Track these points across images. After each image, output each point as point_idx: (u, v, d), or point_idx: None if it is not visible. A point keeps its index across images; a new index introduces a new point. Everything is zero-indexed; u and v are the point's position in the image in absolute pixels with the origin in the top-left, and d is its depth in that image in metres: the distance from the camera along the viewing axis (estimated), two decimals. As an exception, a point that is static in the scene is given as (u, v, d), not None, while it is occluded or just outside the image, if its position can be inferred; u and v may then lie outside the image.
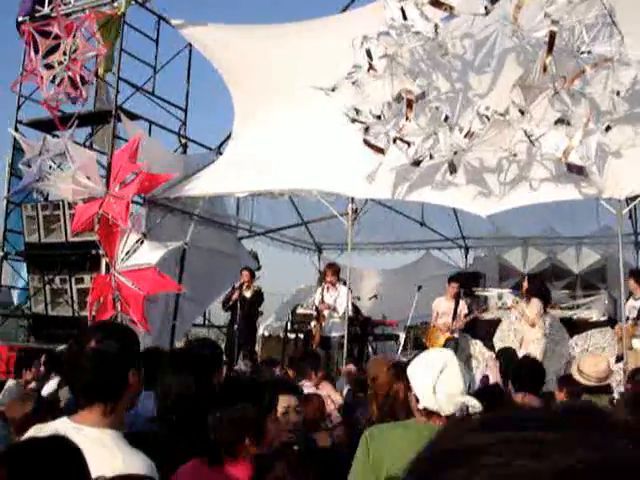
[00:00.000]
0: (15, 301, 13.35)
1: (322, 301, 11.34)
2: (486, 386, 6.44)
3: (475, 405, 3.15)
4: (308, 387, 5.94)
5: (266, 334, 13.99)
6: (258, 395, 3.22)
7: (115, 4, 11.21)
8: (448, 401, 3.14)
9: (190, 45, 12.14)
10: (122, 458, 2.36)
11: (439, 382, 3.16)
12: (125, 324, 8.60)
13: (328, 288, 11.44)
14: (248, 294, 11.79)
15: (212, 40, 11.24)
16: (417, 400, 3.22)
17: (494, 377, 6.91)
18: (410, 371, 3.32)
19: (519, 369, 5.67)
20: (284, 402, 3.75)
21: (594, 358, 6.16)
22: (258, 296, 12.04)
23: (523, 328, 10.45)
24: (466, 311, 11.67)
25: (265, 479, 2.75)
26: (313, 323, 11.48)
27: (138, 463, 2.41)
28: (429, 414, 3.18)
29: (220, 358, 4.68)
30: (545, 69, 7.71)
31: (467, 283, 14.62)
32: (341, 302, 11.03)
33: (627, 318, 9.63)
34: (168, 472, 2.86)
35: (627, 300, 10.00)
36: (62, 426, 2.44)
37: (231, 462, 2.98)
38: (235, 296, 11.66)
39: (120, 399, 2.52)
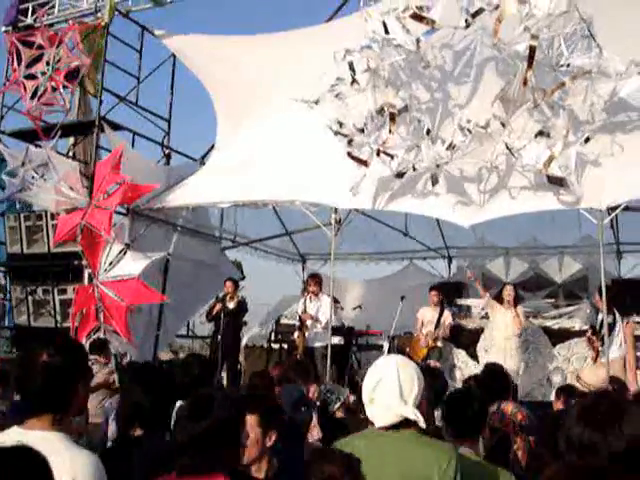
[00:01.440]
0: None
1: (304, 311, 11.37)
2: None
3: (417, 417, 3.10)
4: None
5: (250, 344, 13.93)
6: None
7: (99, 15, 11.21)
8: (383, 412, 3.15)
9: (174, 56, 12.14)
10: (69, 456, 2.47)
11: (375, 393, 3.18)
12: (74, 338, 8.61)
13: (311, 298, 11.49)
14: (232, 305, 11.77)
15: (195, 51, 11.27)
16: None
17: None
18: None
19: (488, 378, 5.64)
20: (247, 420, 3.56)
21: (593, 368, 6.22)
22: (242, 307, 12.02)
23: (505, 336, 10.51)
24: (450, 320, 11.74)
25: None
26: (296, 333, 11.50)
27: (84, 460, 2.53)
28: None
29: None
30: (526, 82, 7.79)
31: (450, 293, 14.70)
32: (324, 312, 11.07)
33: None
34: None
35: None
36: (11, 433, 2.59)
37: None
38: (218, 308, 11.64)
39: (69, 409, 2.68)
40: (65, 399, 2.65)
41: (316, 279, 11.63)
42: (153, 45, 11.92)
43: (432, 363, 10.51)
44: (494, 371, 5.95)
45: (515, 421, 5.22)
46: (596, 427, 2.35)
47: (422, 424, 3.12)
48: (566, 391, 6.53)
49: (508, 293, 10.75)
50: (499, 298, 10.94)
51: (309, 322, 11.21)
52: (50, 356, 2.65)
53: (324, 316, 11.04)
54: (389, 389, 3.13)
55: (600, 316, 9.90)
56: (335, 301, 11.88)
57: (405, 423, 3.13)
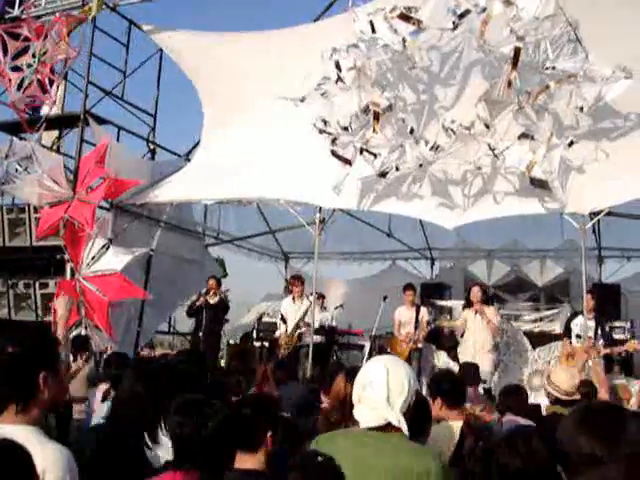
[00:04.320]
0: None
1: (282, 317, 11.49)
2: None
3: (401, 423, 3.11)
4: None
5: (232, 342, 13.94)
6: None
7: (86, 8, 11.14)
8: (369, 414, 3.16)
9: (161, 51, 12.10)
10: (40, 449, 2.45)
11: (364, 394, 3.20)
12: (45, 327, 8.57)
13: (294, 299, 11.53)
14: (213, 301, 11.76)
15: (183, 46, 11.22)
16: None
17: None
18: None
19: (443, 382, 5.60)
20: None
21: (566, 371, 6.22)
22: (223, 303, 12.00)
23: (480, 337, 10.57)
24: (427, 317, 11.77)
25: None
26: (278, 332, 11.53)
27: (55, 454, 2.56)
28: None
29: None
30: (510, 84, 7.83)
31: (432, 294, 14.78)
32: (318, 316, 11.27)
33: (577, 336, 9.80)
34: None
35: (575, 316, 10.20)
36: None
37: None
38: (199, 302, 11.63)
39: (32, 399, 2.68)
40: (26, 389, 2.66)
41: (300, 280, 11.66)
42: (140, 40, 11.88)
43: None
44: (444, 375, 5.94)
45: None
46: (602, 438, 2.29)
47: (405, 431, 3.13)
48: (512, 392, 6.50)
49: (474, 294, 10.78)
50: (468, 299, 10.97)
51: (304, 328, 11.26)
52: (14, 347, 2.72)
53: (317, 321, 11.25)
54: (377, 391, 3.14)
55: (578, 319, 10.01)
56: (321, 296, 11.91)
57: (391, 426, 3.13)
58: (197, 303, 11.70)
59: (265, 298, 16.77)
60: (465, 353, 10.67)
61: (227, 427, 2.87)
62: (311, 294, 10.60)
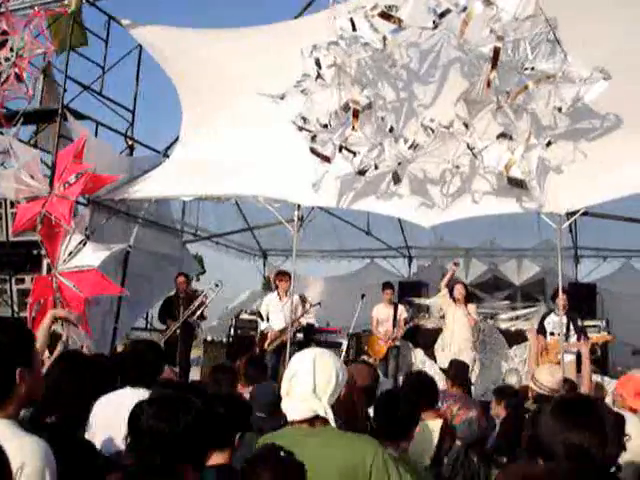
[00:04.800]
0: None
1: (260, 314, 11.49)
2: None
3: (328, 414, 3.06)
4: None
5: (209, 339, 13.91)
6: None
7: (65, 2, 11.06)
8: (297, 406, 3.12)
9: (140, 46, 12.04)
10: (17, 443, 2.45)
11: (291, 386, 3.15)
12: (21, 322, 8.50)
13: (280, 295, 11.48)
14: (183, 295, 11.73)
15: (163, 42, 11.16)
16: None
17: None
18: None
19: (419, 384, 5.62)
20: None
21: (550, 368, 6.28)
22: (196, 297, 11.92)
23: (458, 334, 10.65)
24: (405, 315, 11.86)
25: None
26: (264, 326, 11.52)
27: (32, 446, 2.52)
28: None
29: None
30: (489, 84, 7.87)
31: (410, 292, 14.86)
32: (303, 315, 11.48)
33: (551, 333, 9.94)
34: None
35: (548, 314, 10.37)
36: None
37: None
38: (172, 328, 11.52)
39: (8, 396, 2.63)
40: (3, 385, 2.62)
41: (288, 276, 11.46)
42: (120, 35, 11.82)
43: (365, 359, 10.64)
44: (417, 375, 5.97)
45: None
46: (586, 431, 2.33)
47: (332, 422, 3.08)
48: (503, 393, 6.61)
49: (459, 291, 10.91)
50: (451, 297, 11.10)
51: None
52: None
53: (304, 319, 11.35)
54: (303, 383, 3.10)
55: (551, 317, 10.14)
56: (303, 300, 11.90)
57: (319, 418, 3.09)
58: (171, 328, 11.56)
59: (243, 295, 16.76)
60: (444, 351, 10.74)
61: (201, 424, 2.85)
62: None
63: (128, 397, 4.00)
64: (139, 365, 4.71)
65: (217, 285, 11.95)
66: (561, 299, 9.16)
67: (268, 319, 11.54)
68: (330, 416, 3.06)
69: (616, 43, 7.97)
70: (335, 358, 3.26)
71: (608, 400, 7.34)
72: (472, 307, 10.96)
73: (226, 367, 6.86)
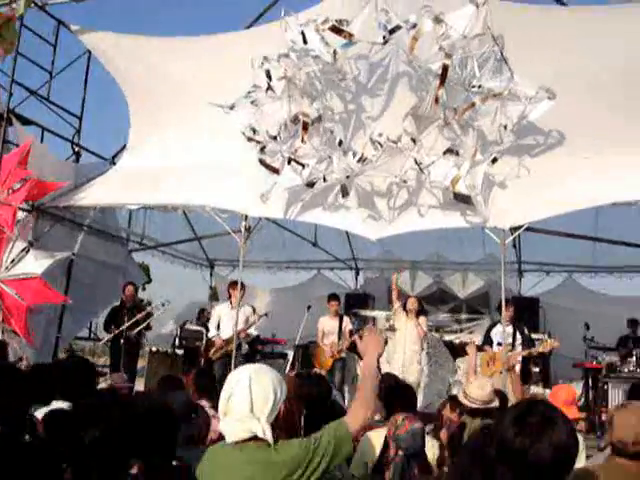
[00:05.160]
0: None
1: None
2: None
3: (266, 434, 2.95)
4: (208, 407, 5.89)
5: (154, 349, 13.76)
6: None
7: (14, 5, 10.90)
8: (235, 427, 3.02)
9: (89, 52, 11.92)
10: None
11: (228, 407, 3.05)
12: None
13: (232, 305, 11.37)
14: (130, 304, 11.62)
15: (112, 49, 11.05)
16: None
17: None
18: None
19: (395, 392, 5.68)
20: None
21: (479, 381, 6.32)
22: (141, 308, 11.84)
23: (406, 347, 10.71)
24: (350, 327, 11.89)
25: None
26: (213, 334, 11.46)
27: None
28: None
29: None
30: (437, 100, 7.98)
31: (357, 304, 14.91)
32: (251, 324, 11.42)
33: (499, 343, 10.10)
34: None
35: (494, 326, 10.56)
36: None
37: None
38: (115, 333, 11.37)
39: None
40: None
41: (242, 286, 11.33)
42: (69, 40, 11.68)
43: (317, 371, 10.63)
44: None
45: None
46: (527, 434, 2.41)
47: (270, 441, 2.97)
48: (458, 402, 6.68)
49: (412, 304, 10.98)
50: (404, 309, 11.16)
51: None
52: None
53: (252, 329, 11.33)
54: (240, 402, 3.00)
55: (497, 328, 10.30)
56: (253, 311, 11.84)
57: (256, 438, 2.99)
58: (115, 332, 11.42)
59: (189, 305, 16.63)
60: (392, 363, 10.79)
61: (119, 433, 2.82)
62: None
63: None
64: (65, 381, 4.78)
65: (163, 305, 11.87)
66: (505, 310, 9.29)
67: (219, 327, 11.49)
68: (269, 436, 2.96)
69: (561, 64, 8.15)
70: (273, 374, 3.15)
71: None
72: (423, 319, 11.04)
73: (174, 377, 6.87)
